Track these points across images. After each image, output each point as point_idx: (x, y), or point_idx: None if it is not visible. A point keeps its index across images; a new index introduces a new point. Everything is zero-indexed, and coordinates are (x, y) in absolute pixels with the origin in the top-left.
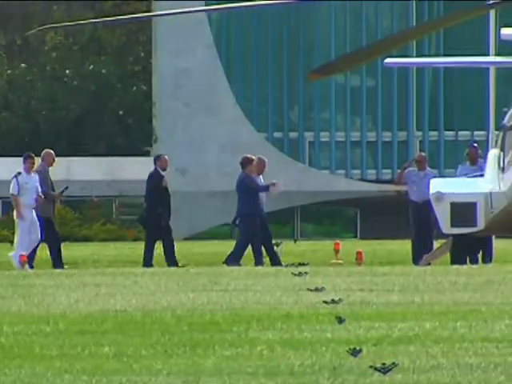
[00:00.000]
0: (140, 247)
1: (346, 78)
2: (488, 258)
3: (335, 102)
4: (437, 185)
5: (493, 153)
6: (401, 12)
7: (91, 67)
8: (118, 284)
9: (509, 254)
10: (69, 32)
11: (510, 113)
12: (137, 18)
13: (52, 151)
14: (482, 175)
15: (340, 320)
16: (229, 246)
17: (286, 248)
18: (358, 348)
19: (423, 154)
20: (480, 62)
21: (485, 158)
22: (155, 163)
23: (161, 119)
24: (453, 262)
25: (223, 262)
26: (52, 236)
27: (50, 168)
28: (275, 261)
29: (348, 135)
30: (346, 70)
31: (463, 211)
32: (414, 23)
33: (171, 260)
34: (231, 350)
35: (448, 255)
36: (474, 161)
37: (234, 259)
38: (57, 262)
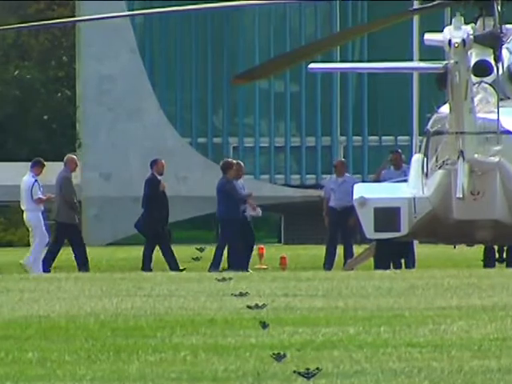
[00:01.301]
0: (65, 252)
1: (270, 83)
2: (411, 263)
3: (259, 108)
4: (360, 190)
5: (416, 158)
6: (325, 17)
7: (16, 72)
8: (41, 289)
9: (432, 259)
10: None
11: (433, 118)
12: (63, 22)
13: (75, 156)
14: (405, 180)
15: (264, 325)
16: None
17: (210, 253)
18: (281, 353)
19: (342, 160)
20: (404, 68)
21: (409, 163)
22: (151, 168)
23: (84, 124)
24: (376, 266)
25: (208, 270)
26: (78, 241)
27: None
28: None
29: (272, 140)
30: (270, 75)
31: (386, 216)
32: (338, 29)
33: (172, 264)
34: (155, 355)
35: (371, 260)
36: (398, 166)
37: (215, 266)
38: (83, 264)
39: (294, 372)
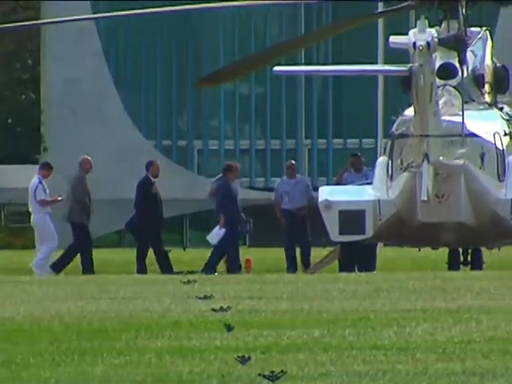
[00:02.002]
0: (28, 255)
1: (235, 85)
2: (372, 267)
3: (224, 110)
4: (325, 192)
5: (381, 160)
6: (289, 19)
7: None
8: (6, 292)
9: (397, 262)
10: None
11: (398, 121)
12: (28, 25)
13: (89, 158)
14: (368, 183)
15: (229, 328)
16: (117, 253)
17: (175, 256)
18: (246, 356)
19: (293, 161)
20: (369, 71)
21: (373, 165)
22: (147, 170)
23: (50, 127)
24: (341, 269)
25: (202, 270)
26: (85, 242)
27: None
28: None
29: (237, 143)
30: (235, 78)
31: (351, 219)
32: (303, 31)
33: (166, 267)
34: (120, 358)
35: (336, 263)
36: (358, 169)
37: (210, 268)
38: (87, 267)
39: (259, 375)
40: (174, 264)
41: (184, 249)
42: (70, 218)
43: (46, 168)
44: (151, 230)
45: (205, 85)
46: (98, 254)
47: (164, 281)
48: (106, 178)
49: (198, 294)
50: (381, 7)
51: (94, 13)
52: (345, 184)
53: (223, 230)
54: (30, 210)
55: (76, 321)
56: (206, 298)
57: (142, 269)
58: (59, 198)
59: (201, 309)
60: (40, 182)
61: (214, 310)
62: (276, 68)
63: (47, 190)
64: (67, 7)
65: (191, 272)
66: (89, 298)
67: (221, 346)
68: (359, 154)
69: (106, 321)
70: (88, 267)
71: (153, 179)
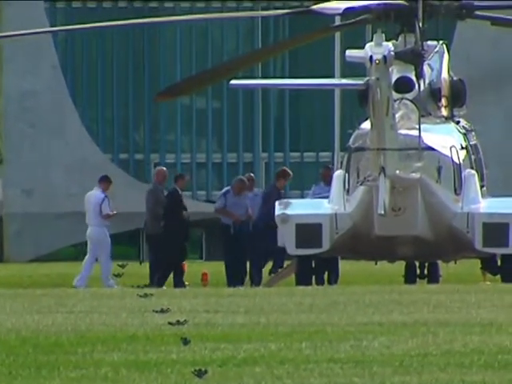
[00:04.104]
0: None
1: (192, 99)
2: (333, 279)
3: (181, 124)
4: (282, 206)
5: (338, 174)
6: (246, 33)
7: None
8: None
9: (353, 275)
10: None
11: (355, 134)
12: None
13: (165, 168)
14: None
15: (185, 341)
16: (75, 267)
17: (131, 269)
18: (203, 369)
19: (251, 174)
20: (325, 84)
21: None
22: (176, 182)
23: (6, 140)
24: (298, 282)
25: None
26: (157, 254)
27: None
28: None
29: (194, 156)
30: (192, 92)
31: (308, 232)
32: (260, 45)
33: (179, 281)
34: (76, 371)
35: (293, 276)
36: (328, 181)
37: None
38: (161, 281)
39: None
40: (131, 278)
41: (140, 263)
42: (146, 230)
43: (105, 180)
44: (175, 241)
45: (162, 99)
46: (56, 268)
47: (121, 294)
48: (63, 191)
49: (154, 308)
50: (338, 21)
51: (51, 26)
52: (314, 196)
53: None
54: (88, 222)
55: (32, 334)
56: (162, 311)
57: (178, 282)
58: (115, 212)
59: (157, 322)
60: (106, 196)
61: (170, 323)
62: (233, 81)
63: (111, 204)
64: (24, 21)
65: (147, 286)
66: (45, 311)
67: (177, 359)
68: (330, 167)
69: (63, 334)
70: (161, 280)
71: (180, 192)
